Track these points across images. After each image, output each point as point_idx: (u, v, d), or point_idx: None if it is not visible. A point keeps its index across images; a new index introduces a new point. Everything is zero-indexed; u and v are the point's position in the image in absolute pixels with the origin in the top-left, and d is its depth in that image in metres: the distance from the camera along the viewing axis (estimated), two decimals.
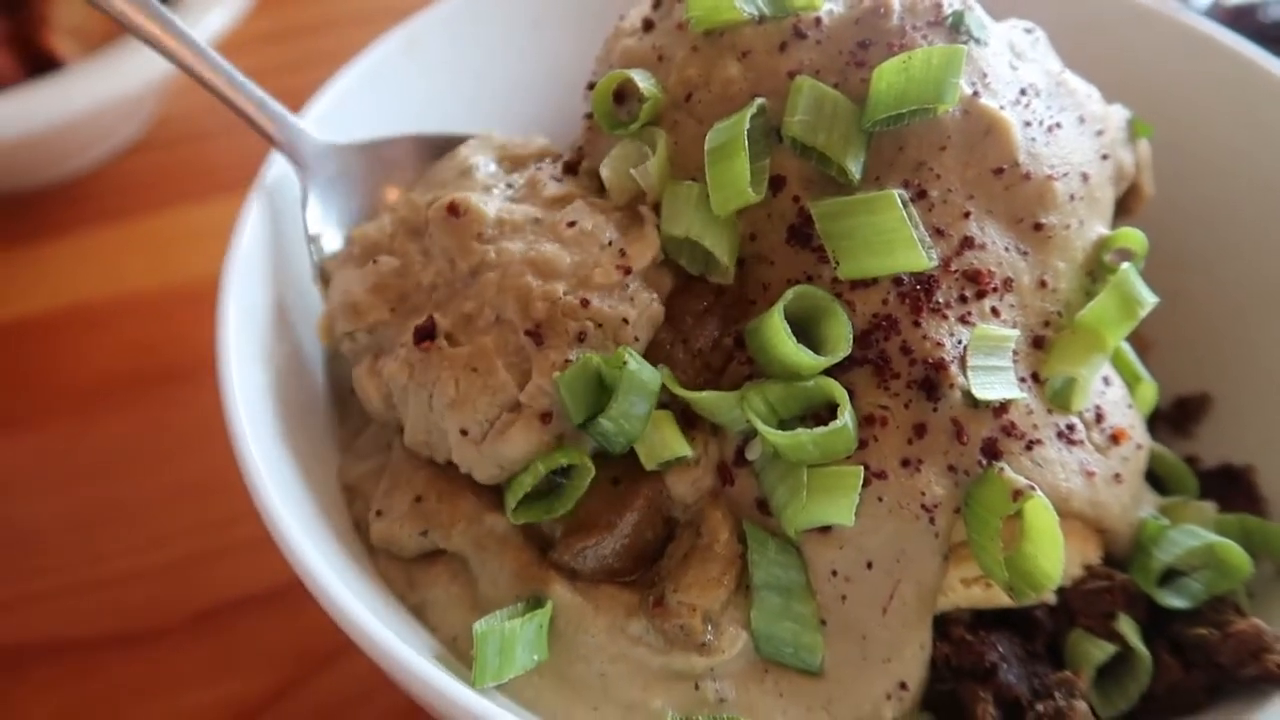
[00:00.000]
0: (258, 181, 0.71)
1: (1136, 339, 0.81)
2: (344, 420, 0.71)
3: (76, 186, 1.14)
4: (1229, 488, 0.71)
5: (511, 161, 0.70)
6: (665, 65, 0.64)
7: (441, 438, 0.59)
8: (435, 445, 0.60)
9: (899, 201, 0.56)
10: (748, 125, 0.58)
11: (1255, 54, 0.78)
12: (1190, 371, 0.79)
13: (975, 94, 0.60)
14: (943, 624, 0.60)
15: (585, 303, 0.57)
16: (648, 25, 0.66)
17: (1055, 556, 0.55)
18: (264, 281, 0.69)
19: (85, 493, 0.88)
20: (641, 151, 0.62)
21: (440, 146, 0.74)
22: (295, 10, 1.36)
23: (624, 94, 0.65)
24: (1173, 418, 0.78)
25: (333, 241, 0.71)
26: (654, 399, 0.56)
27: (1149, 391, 0.66)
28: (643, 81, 0.63)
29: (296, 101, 0.75)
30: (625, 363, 0.55)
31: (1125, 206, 0.75)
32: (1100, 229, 0.63)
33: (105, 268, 1.07)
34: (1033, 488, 0.55)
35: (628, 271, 0.58)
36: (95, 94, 0.99)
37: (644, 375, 0.56)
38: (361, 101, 0.77)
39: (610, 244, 0.59)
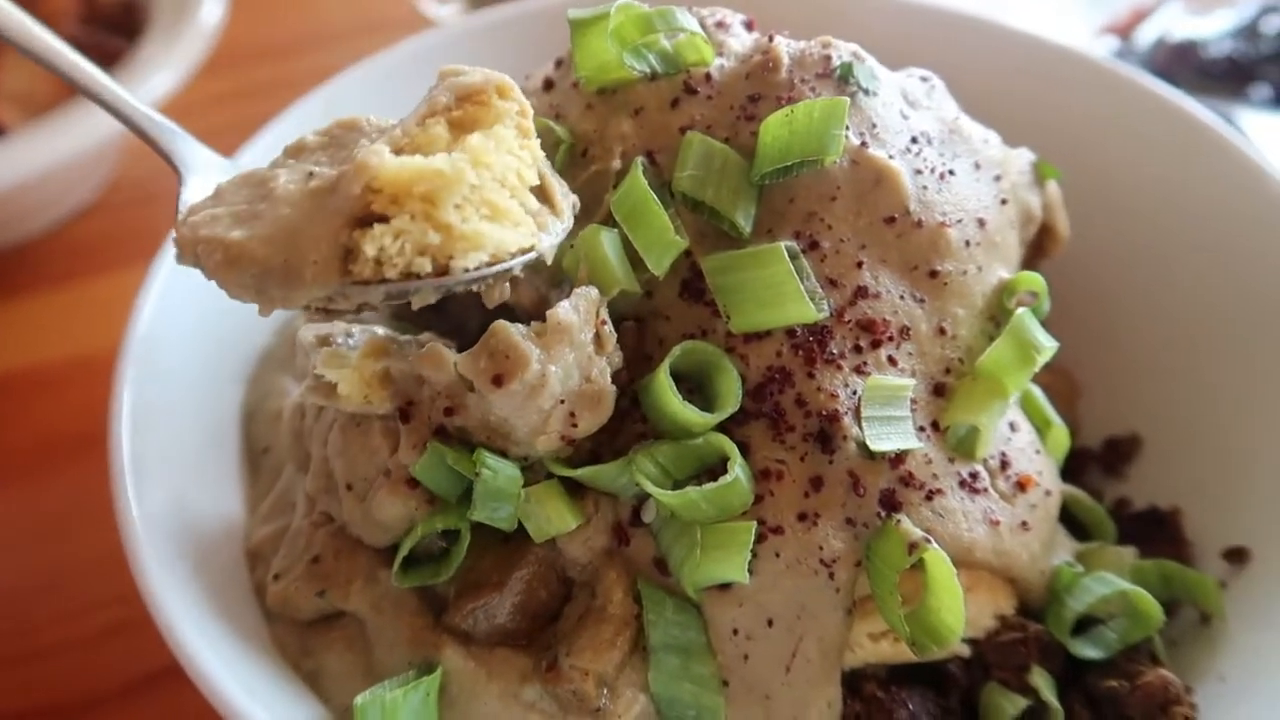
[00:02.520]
0: (166, 242, 0.72)
1: (1066, 380, 0.81)
2: (255, 482, 0.70)
3: (29, 250, 1.15)
4: (1154, 531, 0.70)
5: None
6: (562, 123, 0.64)
7: (334, 490, 0.59)
8: (329, 497, 0.60)
9: (786, 254, 0.56)
10: (643, 180, 0.58)
11: (1179, 98, 0.79)
12: (1121, 412, 0.78)
13: (863, 144, 0.60)
14: (855, 680, 0.59)
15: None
16: (548, 84, 0.67)
17: (956, 609, 0.54)
18: (176, 340, 0.69)
19: (17, 561, 0.87)
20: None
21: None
22: (248, 71, 1.37)
23: None
24: (1104, 459, 0.77)
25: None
26: (516, 498, 0.55)
27: (1061, 436, 0.65)
28: (559, 130, 0.64)
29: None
30: (482, 469, 0.54)
31: (1043, 249, 0.75)
32: (1002, 273, 0.63)
33: (56, 331, 1.08)
34: (928, 540, 0.54)
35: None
36: (36, 160, 1.00)
37: (499, 481, 0.54)
38: None
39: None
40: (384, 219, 0.51)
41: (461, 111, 0.54)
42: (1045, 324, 0.72)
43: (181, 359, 0.69)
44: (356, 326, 0.61)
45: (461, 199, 0.51)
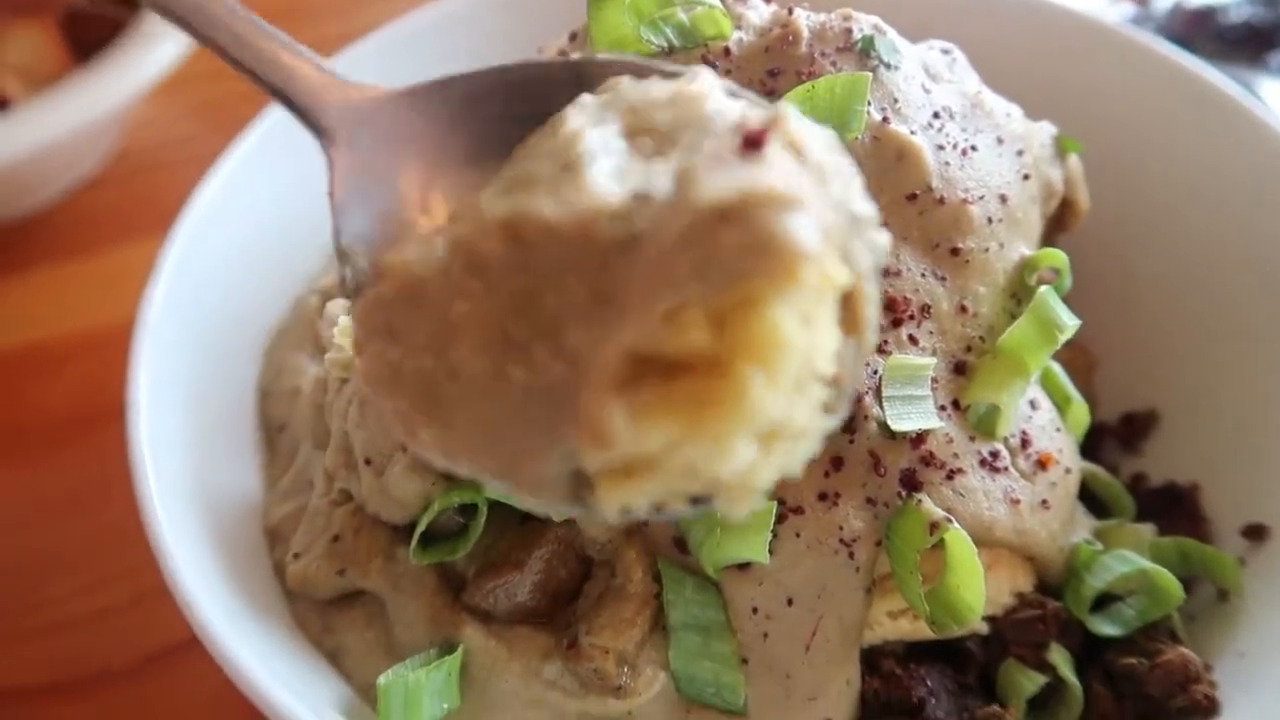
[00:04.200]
0: (186, 210, 0.71)
1: (1083, 355, 0.81)
2: (272, 460, 0.70)
3: (33, 223, 1.14)
4: (1172, 508, 0.70)
5: (651, 136, 0.43)
6: None
7: (353, 466, 0.59)
8: (348, 473, 0.60)
9: None
10: None
11: (1198, 66, 0.77)
12: (1138, 388, 0.78)
13: (885, 120, 0.59)
14: (873, 657, 0.60)
15: None
16: (563, 57, 0.66)
17: (976, 588, 0.54)
18: (190, 318, 0.68)
19: (28, 539, 0.87)
20: None
21: (538, 91, 0.48)
22: None
23: None
24: (1120, 434, 0.77)
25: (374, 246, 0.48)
26: None
27: (1081, 413, 0.65)
28: None
29: None
30: None
31: (1062, 223, 0.74)
32: (1023, 250, 0.63)
33: (61, 305, 1.08)
34: (950, 520, 0.54)
35: None
36: (40, 134, 0.99)
37: None
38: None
39: None
40: None
41: (727, 299, 0.36)
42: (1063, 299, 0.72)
43: (195, 336, 0.69)
44: None
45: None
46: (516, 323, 0.39)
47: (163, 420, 0.61)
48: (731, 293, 0.36)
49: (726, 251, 0.35)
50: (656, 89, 0.44)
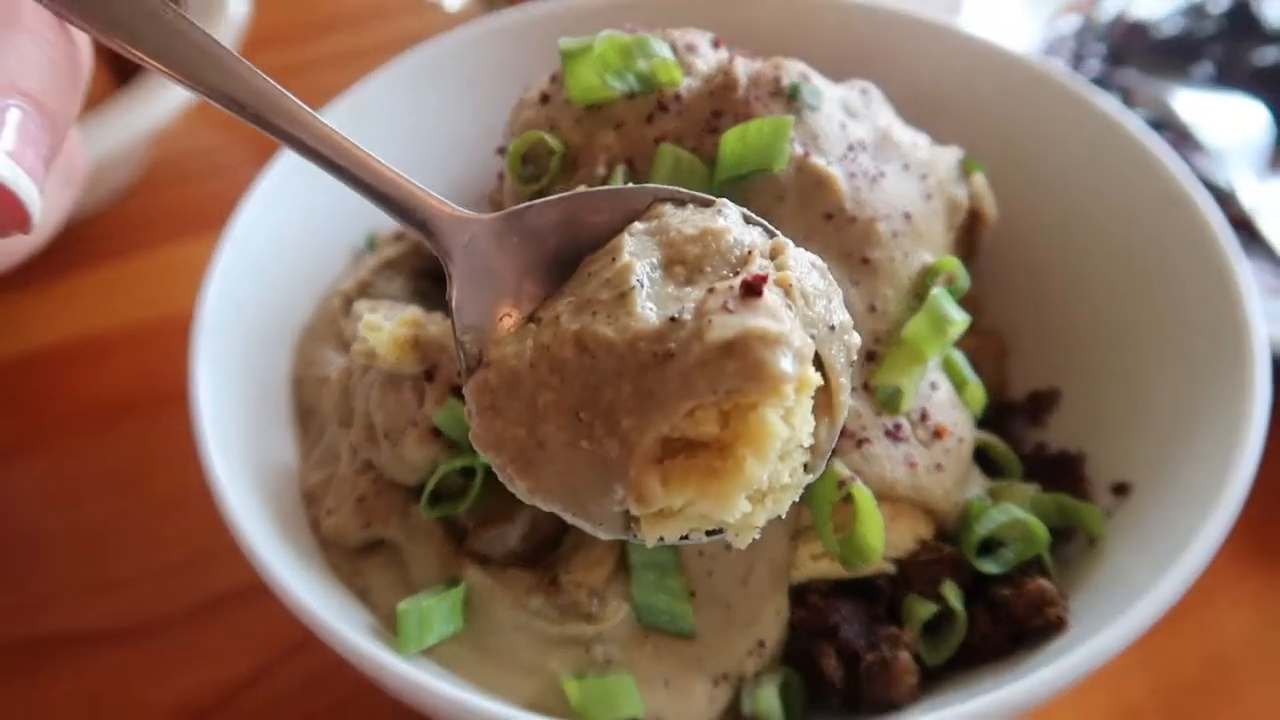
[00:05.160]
0: (234, 217, 0.83)
1: (995, 342, 0.94)
2: (305, 435, 0.83)
3: (76, 231, 1.25)
4: (1061, 471, 0.82)
5: (684, 266, 0.57)
6: (556, 134, 0.76)
7: (373, 438, 0.72)
8: (369, 445, 0.73)
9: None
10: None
11: (1084, 89, 0.89)
12: (1044, 369, 0.91)
13: (806, 153, 0.72)
14: (802, 593, 0.73)
15: None
16: (544, 98, 0.78)
17: (878, 534, 0.67)
18: (235, 316, 0.80)
19: (90, 507, 1.00)
20: None
21: (601, 215, 0.61)
22: (283, 54, 1.47)
23: (528, 155, 0.77)
24: (1027, 410, 0.90)
25: (484, 334, 0.59)
26: None
27: (977, 392, 0.78)
28: (552, 140, 0.75)
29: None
30: None
31: (974, 232, 0.87)
32: (926, 258, 0.75)
33: (104, 304, 1.19)
34: (855, 478, 0.67)
35: None
36: (89, 154, 1.11)
37: None
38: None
39: None
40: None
41: (730, 403, 0.53)
42: (976, 294, 0.85)
43: (240, 331, 0.81)
44: (398, 304, 0.74)
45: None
46: (584, 409, 0.54)
47: (217, 403, 0.74)
48: (733, 399, 0.52)
49: (729, 373, 0.52)
50: (689, 224, 0.59)
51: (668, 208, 0.61)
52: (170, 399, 1.07)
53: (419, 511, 0.71)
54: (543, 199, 0.61)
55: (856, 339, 0.59)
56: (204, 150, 1.37)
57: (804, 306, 0.56)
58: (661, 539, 0.56)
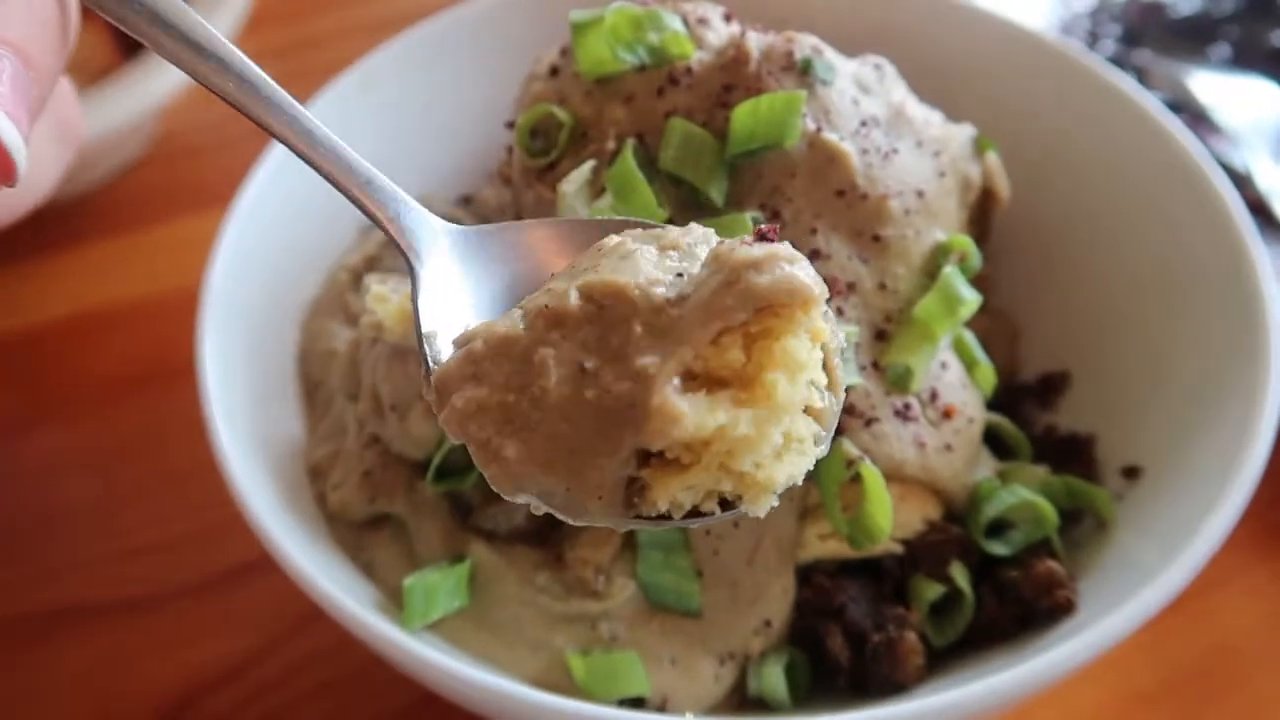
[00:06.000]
0: (241, 193, 0.82)
1: (1008, 324, 0.93)
2: (311, 410, 0.83)
3: (84, 203, 1.25)
4: (1072, 453, 0.82)
5: (677, 251, 0.55)
6: (565, 107, 0.75)
7: (380, 412, 0.72)
8: (376, 418, 0.73)
9: (751, 222, 0.68)
10: (633, 160, 0.69)
11: (1101, 67, 0.88)
12: (1054, 353, 0.90)
13: (819, 129, 0.71)
14: (808, 574, 0.72)
15: None
16: (553, 71, 0.77)
17: (886, 514, 0.67)
18: (242, 291, 0.80)
19: (97, 481, 1.00)
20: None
21: (579, 234, 0.60)
22: (267, 37, 1.46)
23: (537, 129, 0.76)
24: (1038, 392, 0.89)
25: (446, 342, 0.56)
26: None
27: (987, 373, 0.77)
28: (561, 113, 0.75)
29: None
30: None
31: (987, 211, 0.86)
32: (939, 235, 0.74)
33: (112, 277, 1.19)
34: (863, 458, 0.67)
35: None
36: (94, 125, 1.11)
37: None
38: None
39: None
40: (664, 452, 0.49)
41: (759, 325, 0.49)
42: (988, 276, 0.84)
43: (246, 305, 0.81)
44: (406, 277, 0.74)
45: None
46: (590, 358, 0.50)
47: (225, 377, 0.74)
48: (763, 321, 0.48)
49: (759, 288, 0.48)
50: (673, 230, 0.56)
51: (639, 230, 0.58)
52: (178, 373, 1.06)
53: (425, 486, 0.71)
54: (518, 221, 0.59)
55: (843, 335, 0.56)
56: (212, 124, 1.36)
57: None
58: (668, 515, 0.50)
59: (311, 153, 0.57)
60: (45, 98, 0.53)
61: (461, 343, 0.53)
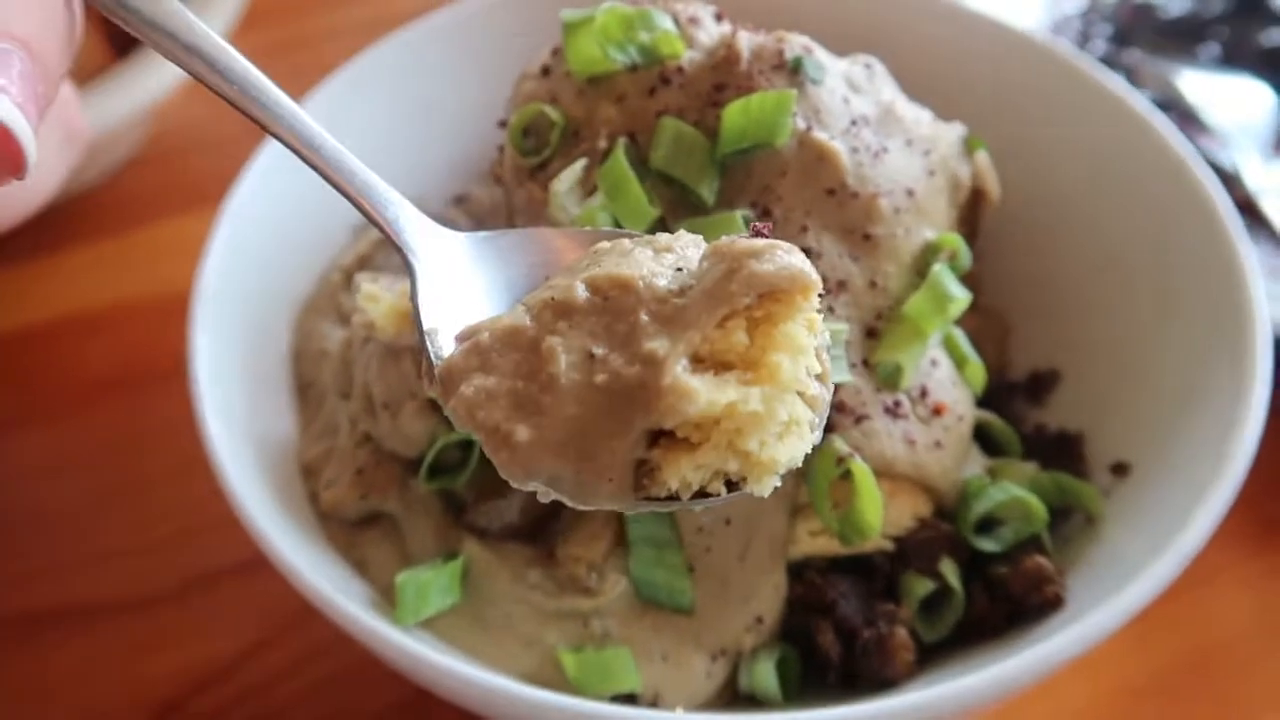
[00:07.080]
0: (232, 193, 0.82)
1: (998, 322, 0.93)
2: (304, 409, 0.83)
3: (77, 203, 1.25)
4: (1061, 450, 0.82)
5: (672, 253, 0.56)
6: (557, 106, 0.75)
7: (372, 410, 0.72)
8: (368, 417, 0.73)
9: (741, 221, 0.68)
10: (624, 159, 0.70)
11: (1091, 67, 0.88)
12: (1044, 351, 0.90)
13: (809, 128, 0.71)
14: (800, 570, 0.73)
15: None
16: (545, 70, 0.78)
17: (876, 511, 0.67)
18: (234, 290, 0.80)
19: (85, 480, 0.99)
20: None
21: (572, 241, 0.61)
22: (268, 30, 1.46)
23: (529, 128, 0.76)
24: (1028, 390, 0.90)
25: (448, 337, 0.56)
26: None
27: (977, 370, 0.77)
28: (553, 113, 0.75)
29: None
30: None
31: (976, 210, 0.86)
32: (928, 234, 0.75)
33: (104, 278, 1.18)
34: (853, 455, 0.67)
35: None
36: (90, 124, 1.11)
37: None
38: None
39: None
40: (673, 433, 0.50)
41: (762, 311, 0.51)
42: (977, 274, 0.85)
43: (238, 305, 0.81)
44: (398, 276, 0.74)
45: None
46: (599, 345, 0.51)
47: (216, 376, 0.74)
48: (765, 307, 0.50)
49: (762, 274, 0.50)
50: (661, 235, 0.57)
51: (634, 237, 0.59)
52: (167, 374, 1.06)
53: (417, 484, 0.71)
54: (511, 229, 0.60)
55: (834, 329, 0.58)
56: (204, 124, 1.36)
57: None
58: (676, 495, 0.51)
59: (310, 154, 0.57)
60: (52, 95, 0.54)
61: (465, 336, 0.54)
